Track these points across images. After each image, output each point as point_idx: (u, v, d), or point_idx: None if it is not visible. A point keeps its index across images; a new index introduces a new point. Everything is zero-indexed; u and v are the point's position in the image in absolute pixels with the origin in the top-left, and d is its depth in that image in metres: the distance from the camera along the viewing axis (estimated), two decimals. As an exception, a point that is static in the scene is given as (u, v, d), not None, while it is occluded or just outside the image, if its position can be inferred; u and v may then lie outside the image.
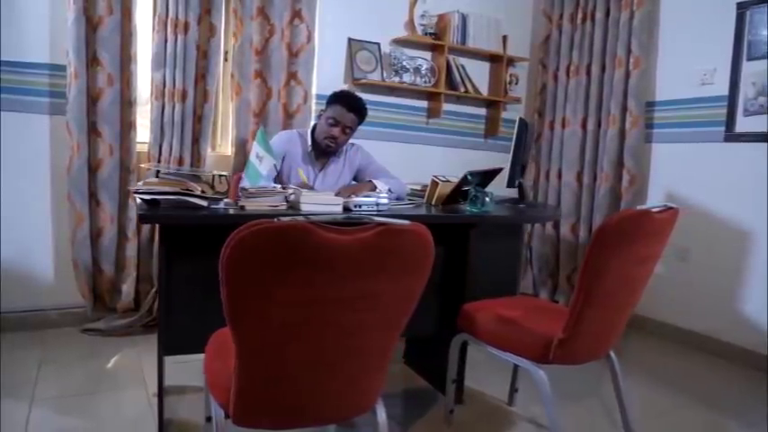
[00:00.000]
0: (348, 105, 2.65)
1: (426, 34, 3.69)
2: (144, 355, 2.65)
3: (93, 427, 2.00)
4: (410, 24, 3.68)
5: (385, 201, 2.13)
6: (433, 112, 3.83)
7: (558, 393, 2.45)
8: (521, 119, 2.64)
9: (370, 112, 3.64)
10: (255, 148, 2.11)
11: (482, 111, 4.06)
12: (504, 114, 4.09)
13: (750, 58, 2.97)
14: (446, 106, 3.86)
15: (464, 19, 3.72)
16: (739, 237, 3.04)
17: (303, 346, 1.17)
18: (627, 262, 1.67)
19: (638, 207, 1.62)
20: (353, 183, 2.80)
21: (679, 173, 3.35)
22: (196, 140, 3.06)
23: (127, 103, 2.90)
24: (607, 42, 3.59)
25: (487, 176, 2.44)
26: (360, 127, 3.60)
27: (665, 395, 2.61)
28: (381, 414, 1.41)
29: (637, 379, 2.78)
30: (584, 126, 3.75)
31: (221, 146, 3.35)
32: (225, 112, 3.32)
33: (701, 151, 3.22)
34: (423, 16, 3.66)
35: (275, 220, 1.04)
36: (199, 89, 3.05)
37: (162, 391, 1.91)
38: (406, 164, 3.35)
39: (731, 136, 3.06)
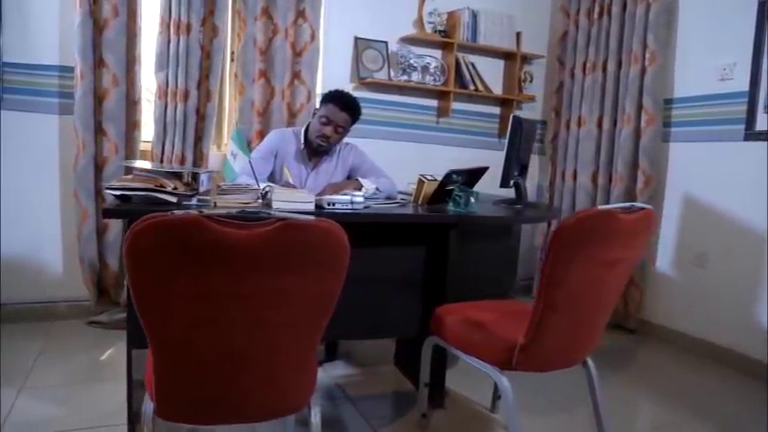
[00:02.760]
0: (341, 104, 2.63)
1: (436, 32, 3.64)
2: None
3: (71, 415, 2.06)
4: (419, 22, 3.63)
5: (360, 199, 2.09)
6: (442, 111, 3.76)
7: (548, 400, 2.39)
8: (514, 116, 2.55)
9: (377, 112, 3.65)
10: (231, 146, 2.12)
11: (496, 110, 3.96)
12: (519, 113, 3.98)
13: (772, 51, 2.77)
14: (458, 105, 3.80)
15: (475, 16, 3.65)
16: (761, 241, 2.83)
17: (212, 341, 1.16)
18: (591, 264, 1.58)
19: (601, 207, 1.53)
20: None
21: (697, 173, 3.17)
22: (199, 139, 3.12)
23: (131, 102, 2.98)
24: (623, 37, 3.43)
25: (473, 175, 2.38)
26: (368, 126, 3.60)
27: (669, 408, 2.46)
28: (315, 416, 1.37)
29: (643, 389, 2.65)
30: (599, 125, 3.60)
31: (227, 145, 3.40)
32: (231, 111, 3.37)
33: (720, 150, 3.03)
34: (431, 14, 3.60)
35: (169, 213, 1.03)
36: (202, 89, 3.10)
37: (131, 384, 1.94)
38: (418, 163, 3.28)
39: (751, 134, 2.86)
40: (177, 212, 1.03)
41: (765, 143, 2.79)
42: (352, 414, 2.22)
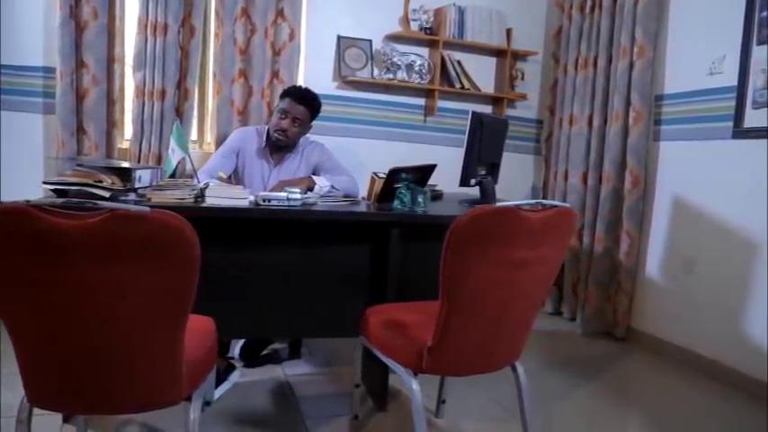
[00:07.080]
0: (297, 97, 2.65)
1: (422, 29, 3.58)
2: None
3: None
4: (404, 20, 3.58)
5: (297, 196, 2.07)
6: (429, 110, 3.70)
7: (502, 407, 2.30)
8: (473, 113, 2.48)
9: (363, 110, 3.62)
10: (170, 142, 2.14)
11: (487, 108, 3.86)
12: (514, 112, 3.88)
13: (761, 42, 2.59)
14: (447, 104, 3.72)
15: (461, 12, 3.57)
16: (749, 246, 2.65)
17: (64, 332, 1.16)
18: (495, 264, 1.51)
19: (500, 204, 1.46)
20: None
21: (686, 173, 2.99)
22: (177, 138, 3.17)
23: (111, 102, 3.07)
24: (614, 31, 3.29)
25: (420, 173, 2.32)
26: (355, 125, 3.58)
27: (641, 421, 2.33)
28: (194, 411, 1.36)
29: (619, 401, 2.52)
30: (590, 123, 3.45)
31: (210, 144, 3.44)
32: (213, 110, 3.41)
33: (709, 149, 2.86)
34: (415, 11, 3.55)
35: (-3, 203, 1.04)
36: (181, 88, 3.15)
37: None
38: (405, 163, 3.20)
39: (739, 132, 2.68)
40: (5, 202, 1.04)
41: (754, 141, 2.61)
42: (292, 413, 2.20)
